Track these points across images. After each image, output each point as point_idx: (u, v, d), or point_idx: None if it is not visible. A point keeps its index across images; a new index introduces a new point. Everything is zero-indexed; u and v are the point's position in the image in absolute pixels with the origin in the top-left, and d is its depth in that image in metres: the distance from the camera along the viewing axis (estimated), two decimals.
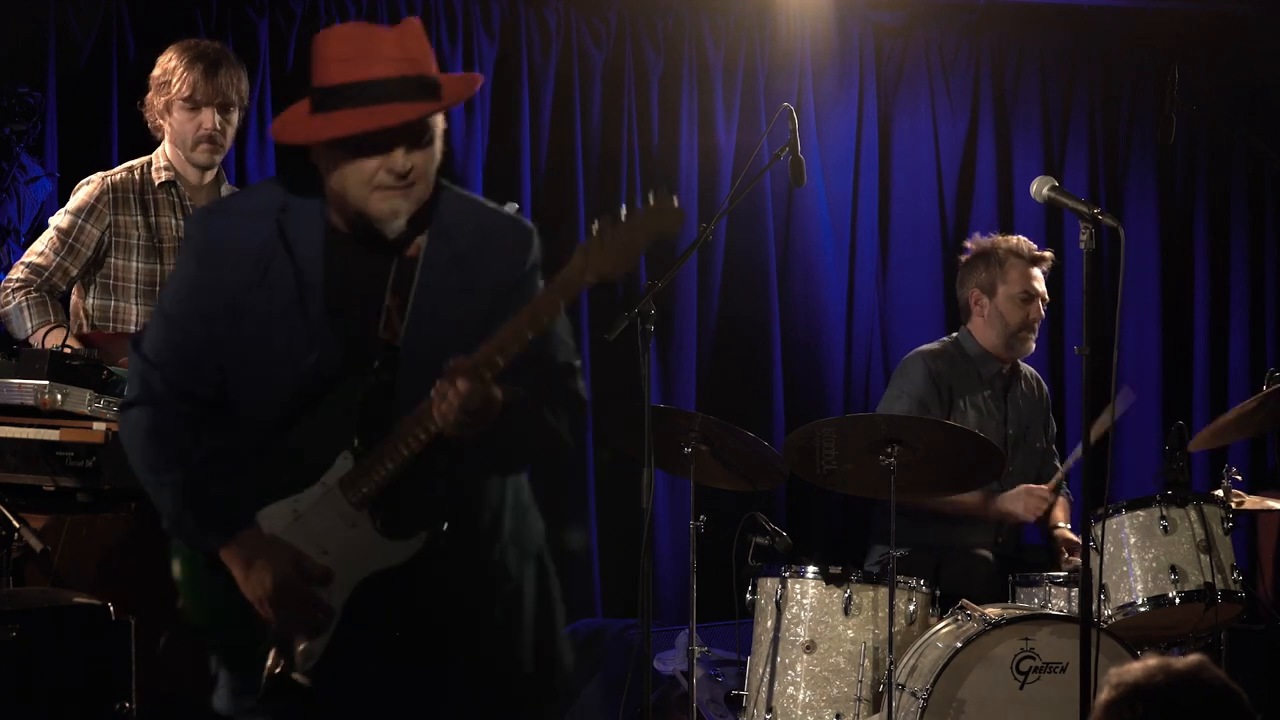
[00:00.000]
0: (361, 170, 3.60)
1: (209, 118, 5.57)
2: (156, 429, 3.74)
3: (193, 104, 5.54)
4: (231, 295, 3.69)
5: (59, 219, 5.61)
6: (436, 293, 3.71)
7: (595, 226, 3.65)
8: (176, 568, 3.80)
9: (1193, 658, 2.67)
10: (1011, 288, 6.37)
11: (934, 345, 6.47)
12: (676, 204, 3.67)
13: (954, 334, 6.53)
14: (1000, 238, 6.51)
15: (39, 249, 5.59)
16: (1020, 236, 6.54)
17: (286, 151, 6.90)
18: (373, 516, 3.69)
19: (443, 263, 3.72)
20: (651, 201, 3.66)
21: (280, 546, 3.66)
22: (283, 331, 3.66)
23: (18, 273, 5.58)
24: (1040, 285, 6.41)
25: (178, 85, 5.54)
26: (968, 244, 6.56)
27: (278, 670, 3.66)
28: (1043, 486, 6.26)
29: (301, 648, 3.66)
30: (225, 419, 3.74)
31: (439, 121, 3.69)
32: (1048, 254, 6.47)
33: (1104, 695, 2.66)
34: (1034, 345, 6.45)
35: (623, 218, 3.65)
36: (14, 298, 5.54)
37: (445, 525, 3.73)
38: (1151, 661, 2.67)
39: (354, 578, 3.69)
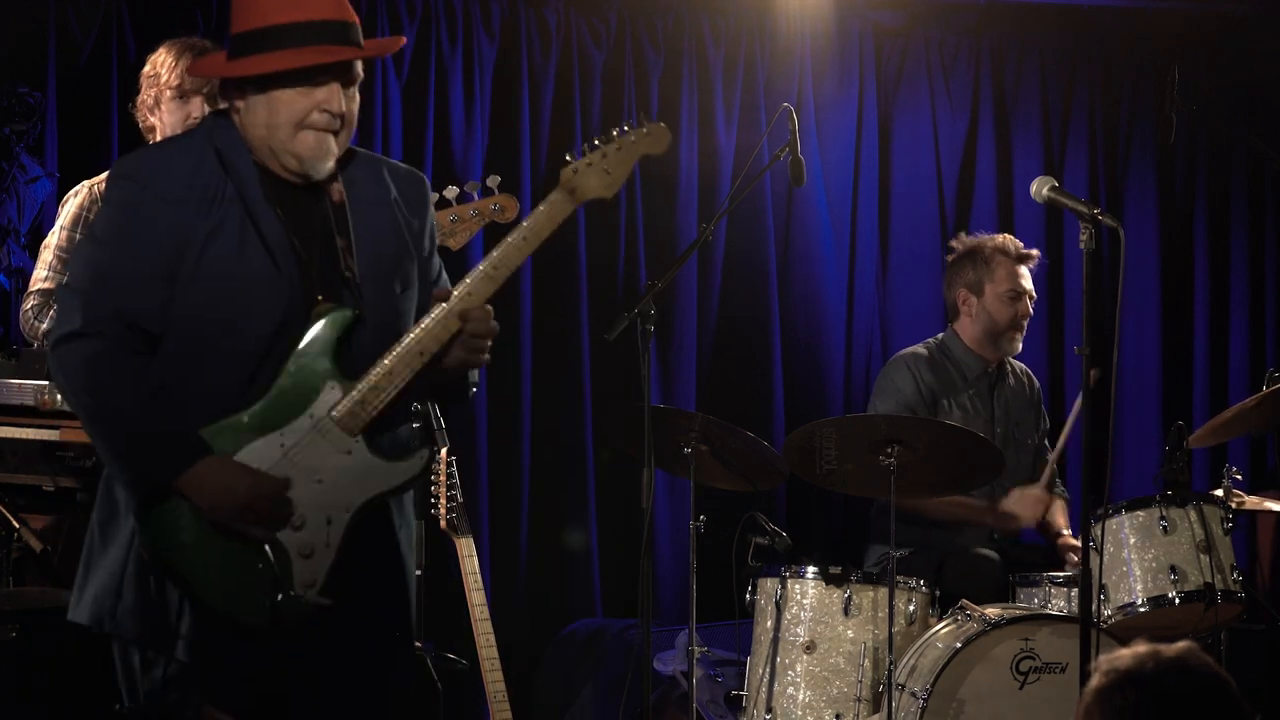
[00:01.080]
0: (294, 108, 3.68)
1: (198, 106, 5.56)
2: (102, 357, 3.64)
3: (181, 94, 5.53)
4: (178, 224, 3.67)
5: (54, 237, 5.56)
6: (370, 232, 3.81)
7: (570, 157, 3.81)
8: (147, 523, 3.70)
9: (1181, 645, 2.68)
10: (999, 286, 6.38)
11: (917, 348, 6.47)
12: (660, 125, 3.87)
13: (939, 335, 6.53)
14: (986, 236, 6.52)
15: (42, 274, 5.53)
16: (1007, 235, 6.54)
17: None
18: (369, 442, 3.74)
19: (365, 205, 3.82)
20: (630, 124, 3.83)
21: (236, 463, 3.65)
22: (245, 259, 3.68)
23: (31, 301, 5.52)
24: (1028, 283, 6.41)
25: (166, 76, 5.53)
26: (954, 244, 6.57)
27: (289, 594, 3.67)
28: (1034, 487, 6.26)
29: (301, 571, 3.68)
30: (168, 350, 3.70)
31: (361, 72, 3.80)
32: (1034, 252, 6.49)
33: (1094, 682, 2.67)
34: (1021, 344, 6.45)
35: (606, 141, 3.82)
36: (40, 323, 5.48)
37: (436, 445, 3.82)
38: (1141, 648, 2.67)
39: (354, 502, 3.74)
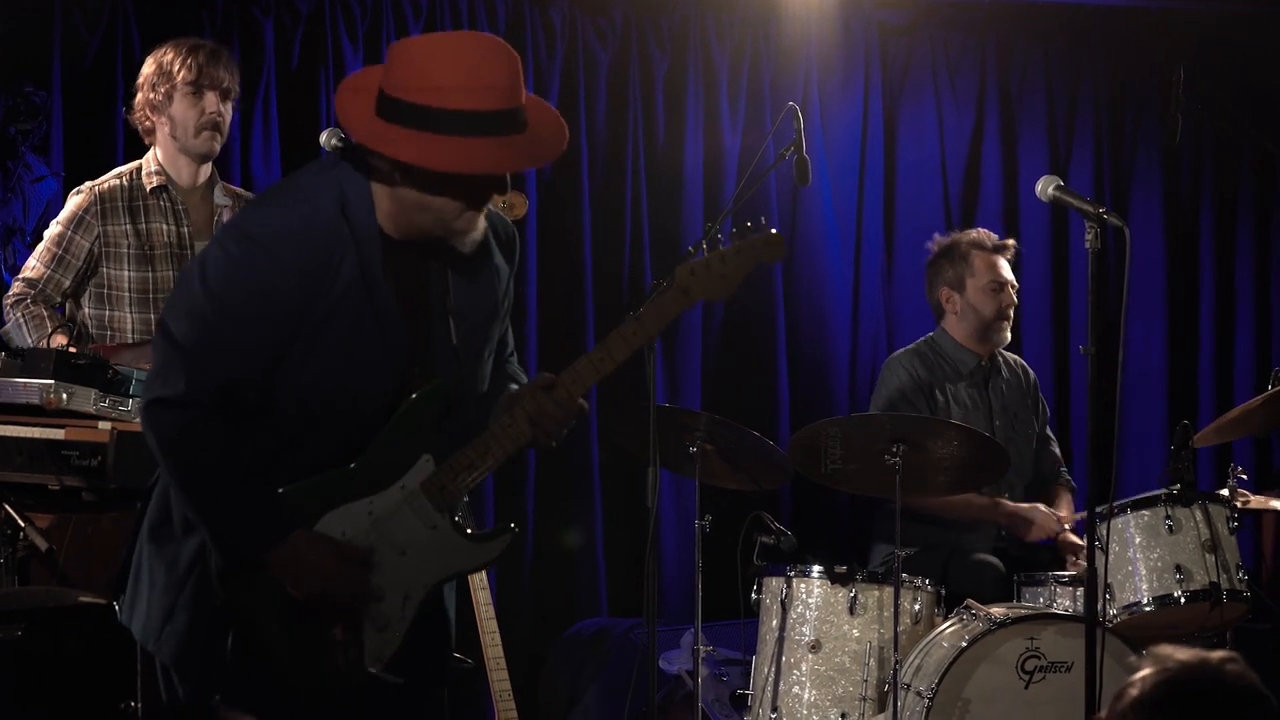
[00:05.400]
0: (461, 199, 3.59)
1: (212, 101, 5.57)
2: (199, 427, 3.55)
3: (196, 89, 5.55)
4: (297, 300, 3.56)
5: (50, 229, 5.61)
6: (469, 298, 3.76)
7: (692, 254, 3.78)
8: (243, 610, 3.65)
9: (1220, 654, 2.64)
10: (979, 279, 6.39)
11: (909, 348, 6.50)
12: (775, 233, 3.78)
13: (929, 335, 6.54)
14: (959, 233, 6.54)
15: (32, 263, 5.59)
16: (980, 229, 6.56)
17: (295, 158, 6.95)
18: (454, 519, 3.72)
19: (469, 269, 3.75)
20: (751, 229, 3.76)
21: (325, 540, 3.62)
22: (359, 336, 3.61)
23: (15, 288, 5.57)
24: (1008, 273, 6.42)
25: (180, 72, 5.55)
26: (929, 245, 6.58)
27: (360, 667, 3.65)
28: (1051, 514, 6.26)
29: (374, 644, 3.67)
30: (266, 420, 3.62)
31: None
32: (1010, 242, 6.51)
33: (1132, 693, 2.63)
34: (1009, 334, 6.47)
35: (723, 246, 3.75)
36: (11, 315, 5.52)
37: (514, 525, 3.83)
38: (1182, 655, 2.64)
39: (432, 579, 3.73)
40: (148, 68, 5.63)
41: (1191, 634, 5.80)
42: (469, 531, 3.74)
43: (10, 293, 5.57)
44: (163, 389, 3.58)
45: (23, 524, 4.93)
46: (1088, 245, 4.81)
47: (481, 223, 3.66)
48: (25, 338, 5.46)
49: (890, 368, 6.44)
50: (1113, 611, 5.62)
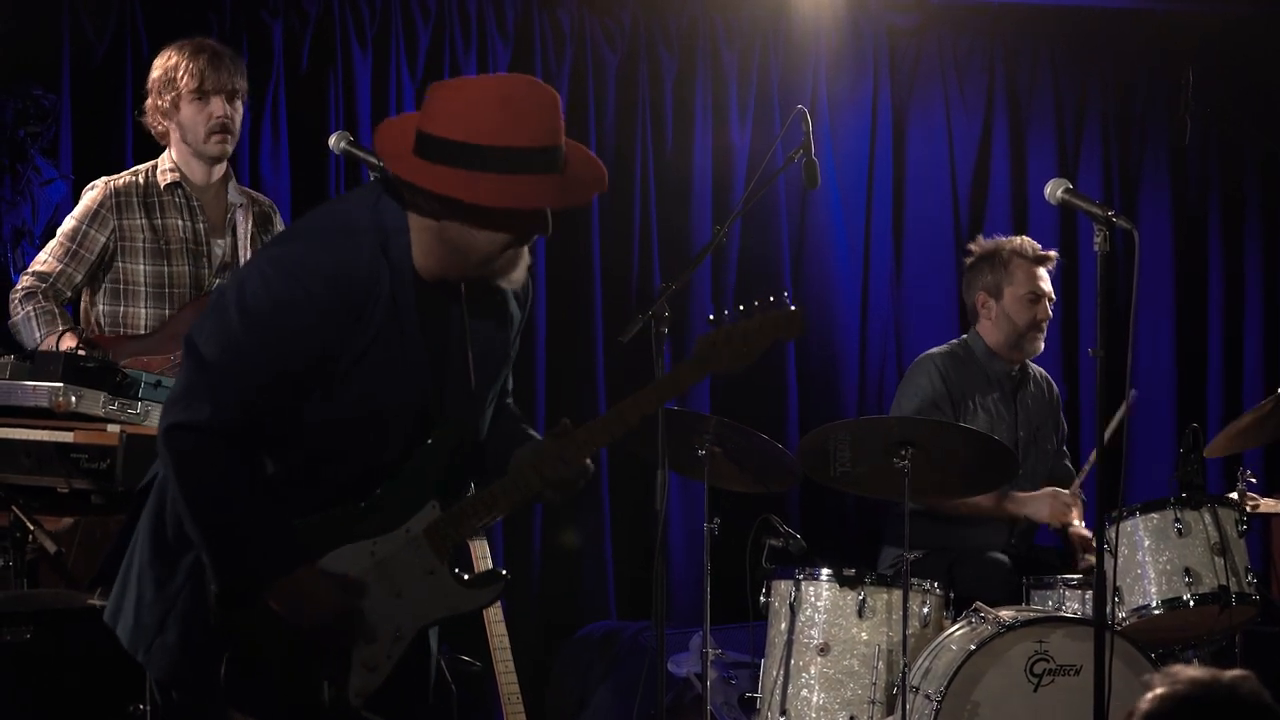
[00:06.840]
0: (505, 237, 3.58)
1: (219, 105, 5.58)
2: (219, 458, 3.54)
3: (201, 94, 5.56)
4: (331, 339, 3.55)
5: (65, 225, 5.61)
6: (485, 344, 3.76)
7: (713, 325, 3.79)
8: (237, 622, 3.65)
9: (1234, 673, 2.63)
10: (1018, 289, 6.36)
11: (943, 348, 6.45)
12: (795, 309, 3.82)
13: (963, 336, 6.52)
14: (1004, 239, 6.49)
15: (43, 257, 5.59)
16: (1024, 237, 6.52)
17: (304, 161, 6.95)
18: (451, 565, 3.73)
19: (487, 314, 3.76)
20: (774, 303, 3.81)
21: (328, 576, 3.62)
22: (386, 376, 3.60)
23: (24, 281, 5.56)
24: (1046, 285, 6.39)
25: (184, 78, 5.56)
26: (971, 246, 6.55)
27: (344, 700, 3.66)
28: (1067, 491, 6.23)
29: (359, 681, 3.67)
30: (288, 451, 3.63)
31: None
32: (1052, 254, 6.46)
33: (1140, 707, 2.62)
34: (1043, 345, 6.44)
35: (742, 318, 3.79)
36: (21, 308, 5.51)
37: (505, 572, 3.88)
38: (1192, 672, 2.63)
39: (424, 621, 3.75)
40: (155, 72, 5.64)
41: (1200, 637, 5.80)
42: (465, 578, 3.76)
43: (19, 286, 5.56)
44: (185, 413, 3.55)
45: (31, 527, 4.93)
46: (1096, 248, 4.80)
47: (526, 259, 3.66)
48: (34, 332, 5.46)
49: (921, 368, 6.39)
50: (1122, 614, 5.61)
